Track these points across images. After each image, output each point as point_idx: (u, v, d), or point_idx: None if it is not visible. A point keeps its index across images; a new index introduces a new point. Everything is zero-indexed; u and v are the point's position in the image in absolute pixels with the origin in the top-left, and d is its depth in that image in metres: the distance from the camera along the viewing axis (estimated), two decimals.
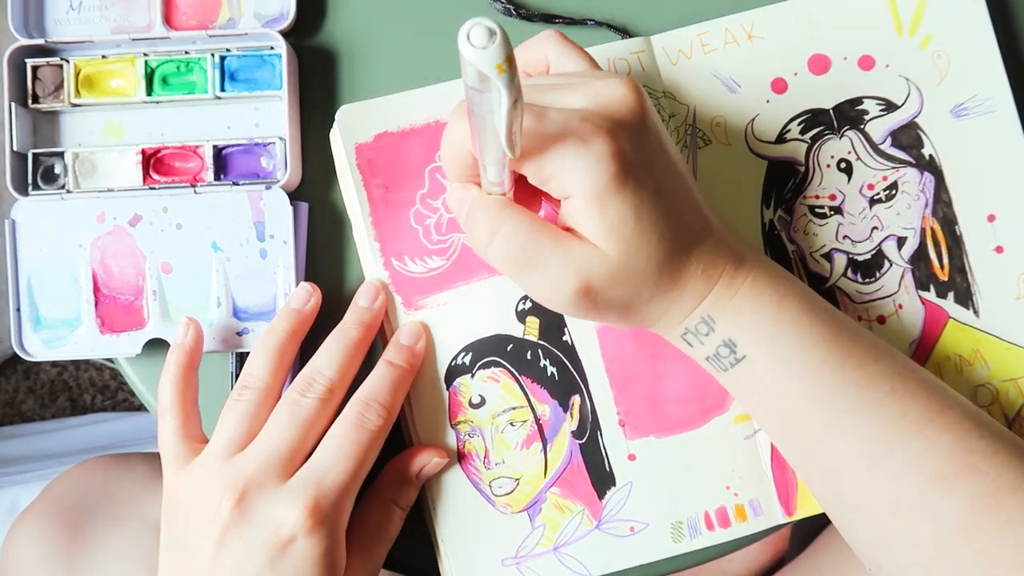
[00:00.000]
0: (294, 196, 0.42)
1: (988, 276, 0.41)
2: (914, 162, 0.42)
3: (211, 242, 0.41)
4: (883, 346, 0.36)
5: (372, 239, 0.40)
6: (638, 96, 0.32)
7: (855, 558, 0.48)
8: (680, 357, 0.40)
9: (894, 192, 0.42)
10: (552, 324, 0.41)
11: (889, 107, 0.42)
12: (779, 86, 0.42)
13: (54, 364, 1.08)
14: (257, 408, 0.37)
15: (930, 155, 0.42)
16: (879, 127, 0.42)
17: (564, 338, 0.41)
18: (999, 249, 0.41)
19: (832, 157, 0.42)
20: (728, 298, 0.34)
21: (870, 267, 0.41)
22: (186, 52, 0.42)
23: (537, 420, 0.40)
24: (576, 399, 0.41)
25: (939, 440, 0.33)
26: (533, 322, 0.41)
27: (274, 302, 0.41)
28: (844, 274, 0.41)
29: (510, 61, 0.24)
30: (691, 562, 0.42)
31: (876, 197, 0.41)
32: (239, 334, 0.41)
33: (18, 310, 0.42)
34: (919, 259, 0.42)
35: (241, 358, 0.42)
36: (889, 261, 0.42)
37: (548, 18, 0.43)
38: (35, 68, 0.42)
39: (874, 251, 0.41)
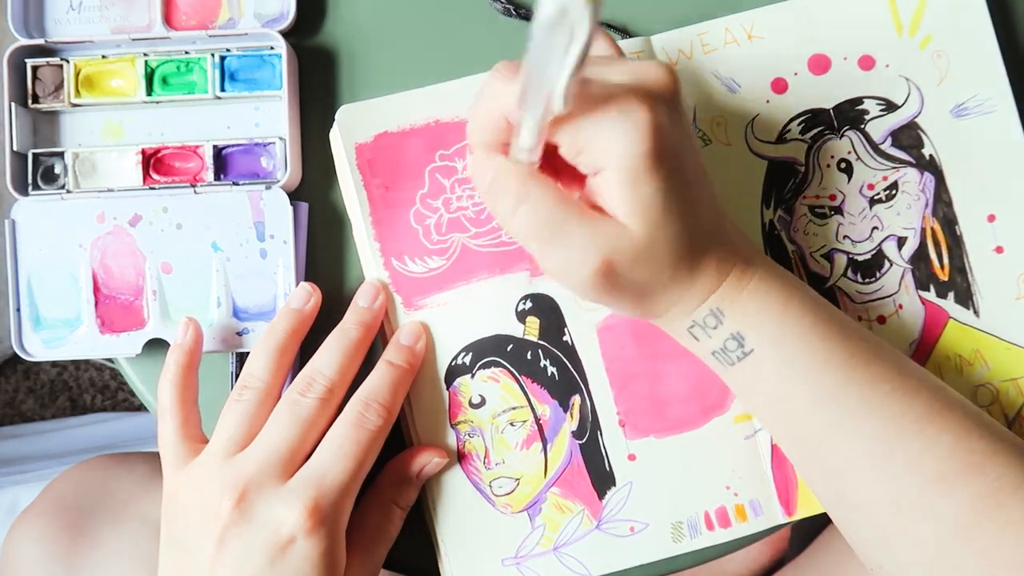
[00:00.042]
0: (294, 196, 0.42)
1: (988, 276, 0.41)
2: (914, 162, 0.42)
3: (211, 242, 0.41)
4: (884, 346, 0.36)
5: (372, 239, 0.40)
6: (675, 79, 0.32)
7: (855, 558, 0.48)
8: (680, 357, 0.40)
9: (894, 192, 0.42)
10: (552, 324, 0.41)
11: (889, 107, 0.42)
12: (779, 86, 0.42)
13: (54, 364, 1.08)
14: (257, 408, 0.37)
15: (930, 155, 0.42)
16: (879, 127, 0.42)
17: (564, 338, 0.41)
18: (999, 249, 0.41)
19: (832, 157, 0.42)
20: (736, 293, 0.34)
21: (870, 267, 0.41)
22: (186, 52, 0.42)
23: (537, 420, 0.40)
24: (576, 399, 0.41)
25: (939, 440, 0.33)
26: (533, 322, 0.41)
27: (274, 302, 0.41)
28: (844, 274, 0.41)
29: None
30: (691, 562, 0.42)
31: (876, 197, 0.41)
32: (239, 334, 0.41)
33: (18, 310, 0.42)
34: (919, 259, 0.42)
35: (241, 358, 0.42)
36: (889, 261, 0.42)
37: None
38: (35, 68, 0.42)
39: (874, 251, 0.41)
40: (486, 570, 0.40)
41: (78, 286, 0.42)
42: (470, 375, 0.40)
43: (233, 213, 0.41)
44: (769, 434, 0.41)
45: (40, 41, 0.41)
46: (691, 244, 0.33)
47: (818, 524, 0.57)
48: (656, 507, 0.41)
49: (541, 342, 0.41)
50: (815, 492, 0.37)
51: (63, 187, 0.41)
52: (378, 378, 0.38)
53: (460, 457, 0.40)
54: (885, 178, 0.41)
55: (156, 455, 0.51)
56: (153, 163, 0.42)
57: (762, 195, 0.42)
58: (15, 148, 0.41)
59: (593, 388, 0.41)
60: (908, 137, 0.42)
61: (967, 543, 0.32)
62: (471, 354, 0.40)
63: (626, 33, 0.43)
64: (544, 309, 0.40)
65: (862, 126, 0.42)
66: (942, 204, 0.42)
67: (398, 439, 0.41)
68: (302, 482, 0.36)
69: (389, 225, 0.40)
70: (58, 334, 0.42)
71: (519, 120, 0.30)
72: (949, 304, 0.41)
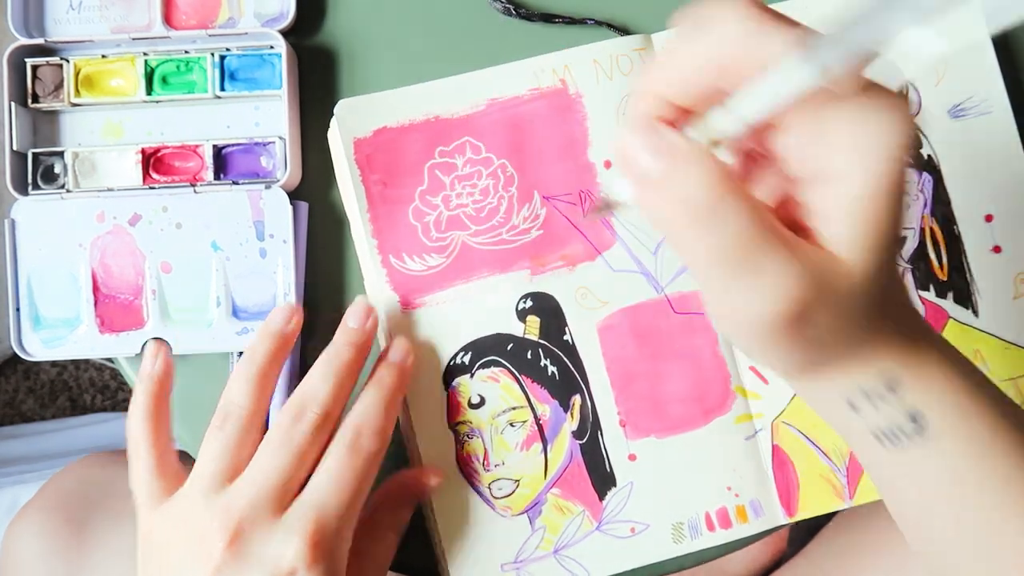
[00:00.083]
0: (294, 196, 0.42)
1: (987, 276, 0.41)
2: (913, 162, 0.42)
3: (211, 241, 0.41)
4: None
5: (370, 236, 0.40)
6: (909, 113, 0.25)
7: (854, 557, 0.48)
8: (681, 356, 0.40)
9: None
10: (553, 323, 0.41)
11: None
12: None
13: (54, 364, 1.08)
14: (241, 437, 0.35)
15: (928, 155, 0.42)
16: None
17: (565, 337, 0.41)
18: (997, 249, 0.41)
19: None
20: (918, 362, 0.28)
21: None
22: (186, 52, 0.42)
23: (537, 420, 0.40)
24: (577, 399, 0.41)
25: None
26: (534, 321, 0.41)
27: (273, 301, 0.41)
28: None
29: None
30: (691, 563, 0.42)
31: None
32: (238, 334, 0.41)
33: (17, 310, 0.42)
34: (919, 259, 0.42)
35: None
36: None
37: (548, 17, 0.43)
38: (35, 68, 0.42)
39: None
40: None
41: (78, 286, 0.42)
42: (469, 375, 0.40)
43: (233, 212, 0.41)
44: (769, 437, 0.41)
45: (40, 41, 0.41)
46: (892, 291, 0.26)
47: (816, 523, 0.57)
48: (657, 508, 0.40)
49: (542, 341, 0.40)
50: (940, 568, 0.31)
51: (63, 187, 0.41)
52: (370, 401, 0.36)
53: (459, 459, 0.40)
54: None
55: None
56: (153, 163, 0.42)
57: None
58: (15, 148, 0.41)
59: (594, 388, 0.41)
60: None
61: None
62: (470, 353, 0.40)
63: (626, 32, 0.43)
64: (545, 308, 0.40)
65: None
66: (940, 204, 0.42)
67: (395, 437, 0.41)
68: (300, 514, 0.33)
69: (387, 222, 0.40)
70: (58, 334, 0.42)
71: (757, 65, 0.22)
72: (948, 304, 0.41)
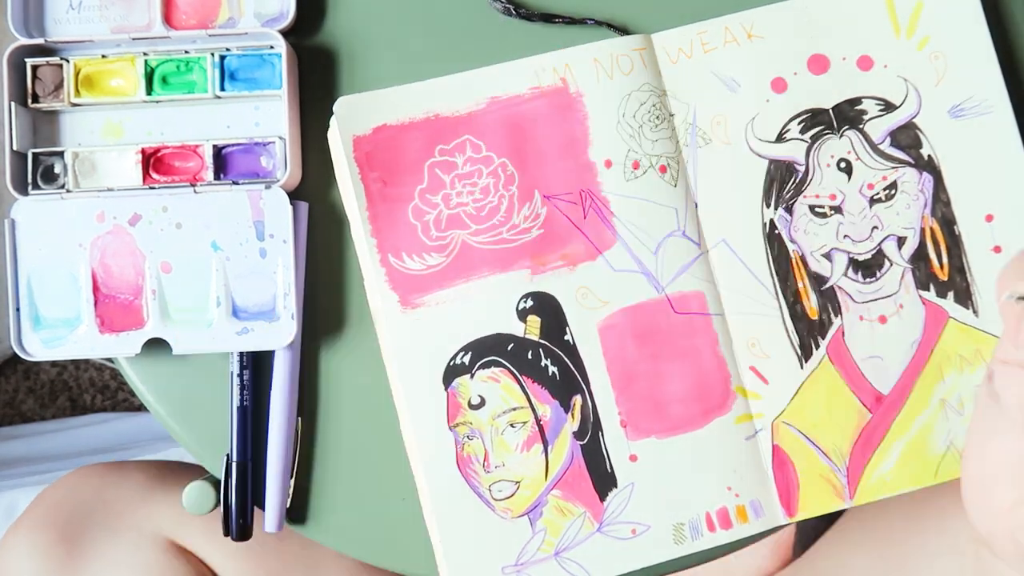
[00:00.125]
0: (294, 195, 0.42)
1: (987, 276, 0.41)
2: (913, 162, 0.42)
3: (211, 241, 0.41)
4: None
5: (368, 234, 0.40)
6: None
7: (856, 563, 0.48)
8: (682, 356, 0.40)
9: (894, 192, 0.42)
10: (554, 323, 0.41)
11: (888, 107, 0.42)
12: (779, 85, 0.42)
13: (54, 364, 1.07)
14: None
15: (929, 155, 0.42)
16: (878, 127, 0.42)
17: (566, 337, 0.41)
18: (997, 249, 0.41)
19: (832, 157, 0.42)
20: None
21: (870, 267, 0.41)
22: (186, 51, 0.42)
23: (538, 421, 0.40)
24: (577, 399, 0.41)
25: None
26: (534, 321, 0.40)
27: (273, 301, 0.41)
28: (845, 273, 0.41)
29: None
30: (691, 563, 0.42)
31: (876, 197, 0.42)
32: (238, 334, 0.41)
33: (17, 310, 0.42)
34: (919, 259, 0.42)
35: (242, 357, 0.42)
36: (889, 261, 0.42)
37: (548, 17, 0.43)
38: (35, 68, 0.42)
39: (874, 251, 0.41)
40: None
41: (78, 286, 0.42)
42: (469, 375, 0.40)
43: (233, 212, 0.41)
44: (770, 437, 0.41)
45: (40, 41, 0.41)
46: None
47: (820, 531, 0.57)
48: (658, 508, 0.40)
49: (542, 341, 0.40)
50: None
51: (63, 187, 0.41)
52: None
53: (459, 461, 0.40)
54: (884, 178, 0.42)
55: (151, 463, 0.50)
56: (153, 162, 0.42)
57: (762, 194, 0.42)
58: (15, 148, 0.41)
59: (595, 388, 0.40)
60: (907, 137, 0.42)
61: None
62: (470, 353, 0.40)
63: (626, 32, 0.43)
64: (546, 308, 0.40)
65: (861, 126, 0.42)
66: (941, 204, 0.42)
67: (395, 439, 0.41)
68: None
69: (387, 221, 0.40)
70: (58, 334, 0.41)
71: None
72: (949, 304, 0.41)
